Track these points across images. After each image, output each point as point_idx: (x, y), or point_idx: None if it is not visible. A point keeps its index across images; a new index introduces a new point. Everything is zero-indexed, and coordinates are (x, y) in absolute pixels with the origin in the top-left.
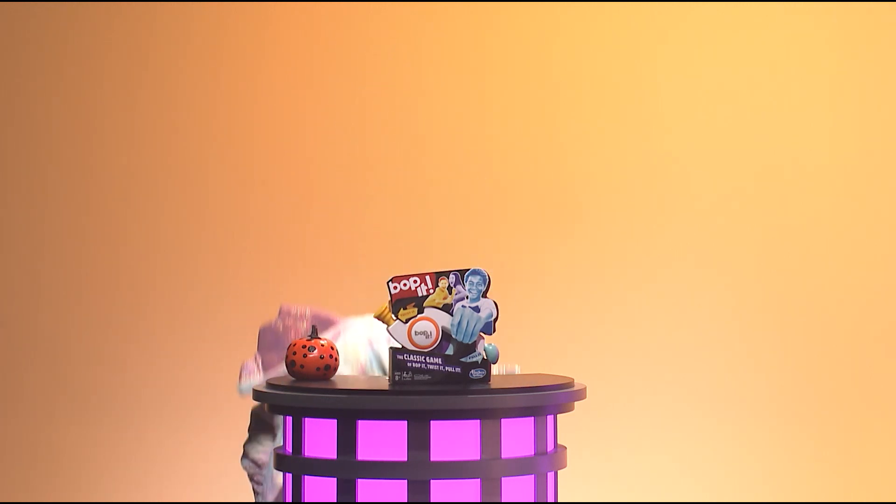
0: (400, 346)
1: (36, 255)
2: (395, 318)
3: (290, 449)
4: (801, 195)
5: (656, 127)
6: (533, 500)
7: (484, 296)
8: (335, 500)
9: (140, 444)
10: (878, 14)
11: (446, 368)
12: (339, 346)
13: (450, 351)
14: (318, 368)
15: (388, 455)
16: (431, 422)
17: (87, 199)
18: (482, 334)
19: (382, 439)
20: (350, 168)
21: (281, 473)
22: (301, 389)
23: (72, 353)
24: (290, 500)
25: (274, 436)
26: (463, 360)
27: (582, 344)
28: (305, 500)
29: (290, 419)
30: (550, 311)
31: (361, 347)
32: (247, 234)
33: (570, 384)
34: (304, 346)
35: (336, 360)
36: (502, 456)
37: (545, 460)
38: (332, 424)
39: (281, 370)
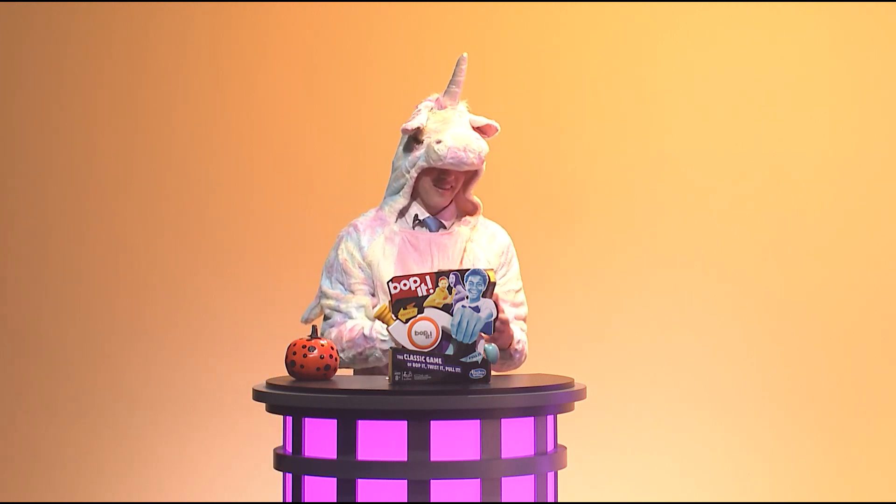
0: (400, 346)
1: (37, 256)
2: (395, 318)
3: (290, 449)
4: (801, 197)
5: (657, 130)
6: (533, 500)
7: (484, 296)
8: (335, 500)
9: (140, 444)
10: (878, 15)
11: (446, 368)
12: None
13: (450, 351)
14: (318, 368)
15: (388, 455)
16: (431, 422)
17: (87, 201)
18: (482, 334)
19: (382, 439)
20: (350, 168)
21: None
22: (301, 389)
23: (72, 354)
24: (291, 500)
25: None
26: (463, 360)
27: (581, 344)
28: (305, 500)
29: (290, 419)
30: (550, 312)
31: None
32: (246, 235)
33: (570, 384)
34: (304, 346)
35: (336, 360)
36: (502, 456)
37: (545, 460)
38: (332, 424)
39: None
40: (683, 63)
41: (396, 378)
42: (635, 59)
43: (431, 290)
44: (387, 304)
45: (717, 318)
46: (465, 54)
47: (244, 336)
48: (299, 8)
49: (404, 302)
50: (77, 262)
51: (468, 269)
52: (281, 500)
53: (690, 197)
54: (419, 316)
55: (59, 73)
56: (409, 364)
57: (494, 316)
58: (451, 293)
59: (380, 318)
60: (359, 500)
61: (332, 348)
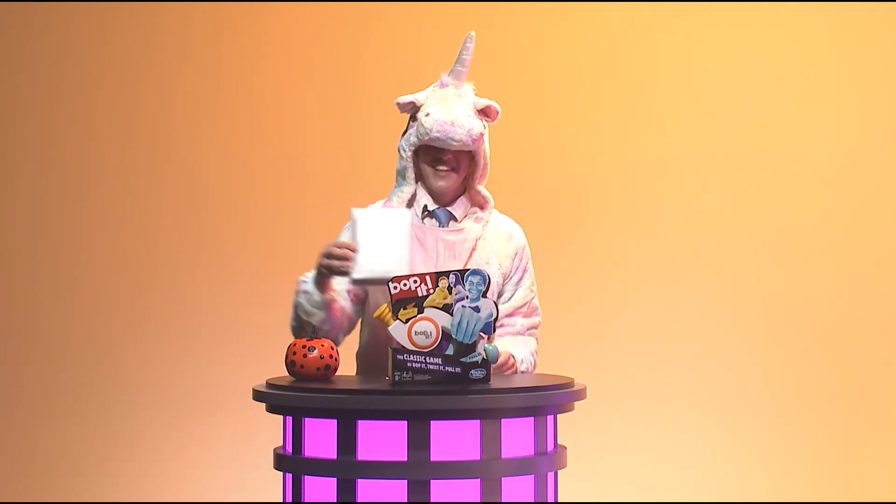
0: (400, 346)
1: (36, 255)
2: (395, 318)
3: (290, 449)
4: (801, 197)
5: (657, 130)
6: (533, 500)
7: (484, 296)
8: (335, 500)
9: (140, 444)
10: (879, 15)
11: (446, 368)
12: None
13: (450, 351)
14: (318, 368)
15: (388, 455)
16: (431, 422)
17: (87, 200)
18: (482, 334)
19: (382, 439)
20: (350, 168)
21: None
22: (301, 389)
23: (72, 353)
24: (291, 500)
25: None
26: (463, 360)
27: (581, 344)
28: (305, 500)
29: (290, 419)
30: (551, 312)
31: None
32: (246, 235)
33: (570, 384)
34: (304, 346)
35: (336, 360)
36: (502, 456)
37: (545, 460)
38: (332, 424)
39: None
40: (685, 63)
41: (396, 378)
42: (637, 59)
43: (431, 290)
44: (387, 304)
45: (717, 319)
46: (472, 32)
47: (244, 336)
48: (299, 8)
49: (404, 302)
50: (76, 261)
51: (468, 270)
52: (281, 500)
53: (691, 197)
54: (419, 316)
55: (59, 73)
56: (409, 364)
57: (494, 316)
58: (451, 293)
59: (380, 317)
60: (359, 500)
61: (333, 348)
